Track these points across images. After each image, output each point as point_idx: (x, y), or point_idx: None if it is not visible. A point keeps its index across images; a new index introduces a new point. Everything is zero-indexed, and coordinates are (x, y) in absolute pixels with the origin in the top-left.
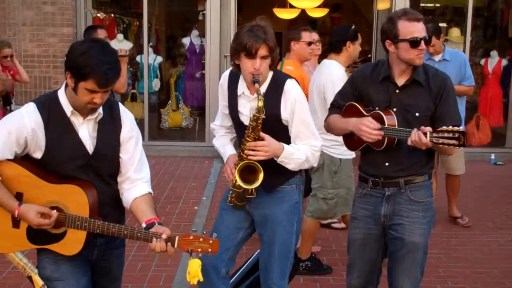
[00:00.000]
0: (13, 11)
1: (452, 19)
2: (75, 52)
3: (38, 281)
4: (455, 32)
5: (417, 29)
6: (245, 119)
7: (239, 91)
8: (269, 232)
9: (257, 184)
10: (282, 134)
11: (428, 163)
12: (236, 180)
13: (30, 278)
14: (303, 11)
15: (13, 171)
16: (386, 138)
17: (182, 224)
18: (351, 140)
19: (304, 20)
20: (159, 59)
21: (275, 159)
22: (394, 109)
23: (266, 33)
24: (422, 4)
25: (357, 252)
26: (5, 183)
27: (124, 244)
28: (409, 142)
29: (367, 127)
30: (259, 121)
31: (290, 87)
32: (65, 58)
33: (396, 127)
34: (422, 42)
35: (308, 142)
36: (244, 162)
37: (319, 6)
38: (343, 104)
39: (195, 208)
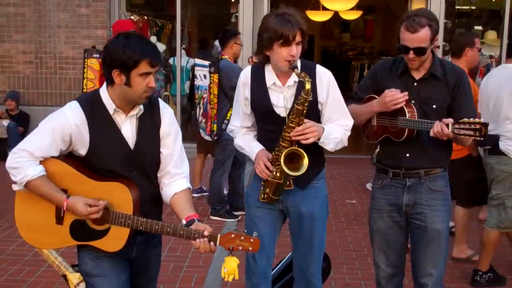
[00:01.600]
0: (48, 13)
1: (488, 22)
2: (116, 48)
3: (73, 279)
4: (491, 35)
5: (408, 39)
6: (281, 110)
7: (269, 83)
8: (307, 227)
9: (303, 170)
10: (315, 118)
11: (446, 155)
12: (276, 172)
13: (64, 276)
14: (336, 13)
15: (57, 168)
16: (406, 130)
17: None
18: (371, 130)
19: (337, 23)
20: (192, 61)
21: (317, 141)
22: (412, 102)
23: (297, 19)
24: (457, 7)
25: (383, 243)
26: (50, 179)
27: (161, 244)
28: (431, 134)
29: (392, 96)
30: (305, 104)
31: (321, 70)
32: (105, 59)
33: (417, 119)
34: (411, 51)
35: (340, 122)
36: (289, 149)
37: (352, 9)
38: (363, 97)
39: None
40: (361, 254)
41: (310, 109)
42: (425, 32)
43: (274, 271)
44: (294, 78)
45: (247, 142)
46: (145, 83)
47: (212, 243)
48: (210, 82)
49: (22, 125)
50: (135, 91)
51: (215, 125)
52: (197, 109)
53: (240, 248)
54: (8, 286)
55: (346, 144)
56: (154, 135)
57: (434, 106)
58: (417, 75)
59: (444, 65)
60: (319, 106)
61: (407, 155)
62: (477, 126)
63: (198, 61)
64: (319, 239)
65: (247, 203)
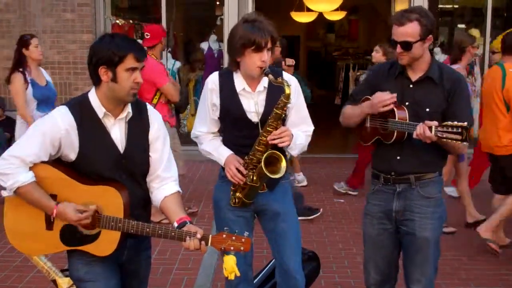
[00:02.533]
0: (33, 18)
1: (471, 20)
2: (102, 46)
3: (62, 284)
4: (474, 33)
5: (396, 32)
6: (253, 115)
7: (238, 89)
8: (282, 224)
9: (282, 172)
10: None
11: (440, 161)
12: (253, 175)
13: (54, 281)
14: (320, 14)
15: (47, 173)
16: (395, 132)
17: (203, 227)
18: (363, 131)
19: (321, 23)
20: (178, 64)
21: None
22: (407, 103)
23: (268, 26)
24: (440, 6)
25: (372, 249)
26: (39, 184)
27: (150, 246)
28: (414, 135)
29: (379, 97)
30: (284, 109)
31: (288, 76)
32: (91, 59)
33: (404, 121)
34: (398, 46)
35: (302, 127)
36: (269, 152)
37: (336, 9)
38: (359, 98)
39: None
40: (350, 252)
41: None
42: (412, 27)
43: (258, 279)
44: (263, 83)
45: (214, 148)
46: (131, 79)
47: (202, 243)
48: None
49: (8, 130)
50: (122, 87)
51: None
52: None
53: (231, 248)
54: None
55: (306, 150)
56: (143, 139)
57: (427, 110)
58: (414, 77)
59: (442, 69)
60: (287, 111)
61: (398, 157)
62: (458, 130)
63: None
64: (295, 233)
65: (217, 207)
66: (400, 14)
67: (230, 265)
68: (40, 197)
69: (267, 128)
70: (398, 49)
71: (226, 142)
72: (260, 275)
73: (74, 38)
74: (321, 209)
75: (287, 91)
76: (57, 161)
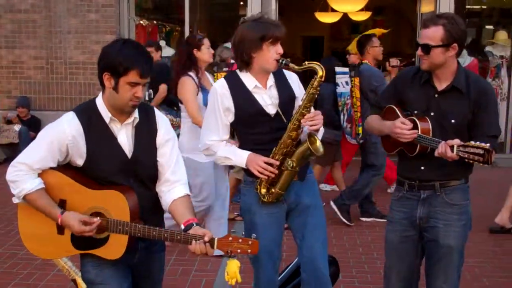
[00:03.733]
0: (59, 19)
1: (499, 22)
2: (111, 52)
3: (82, 284)
4: (502, 35)
5: (421, 34)
6: (270, 108)
7: (250, 87)
8: (312, 218)
9: (322, 149)
10: (291, 114)
11: (465, 168)
12: (292, 162)
13: (74, 281)
14: (345, 15)
15: (56, 179)
16: (418, 145)
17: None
18: (388, 142)
19: (346, 24)
20: None
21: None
22: (432, 114)
23: (277, 21)
24: (467, 6)
25: (395, 256)
26: (49, 190)
27: (164, 248)
28: (436, 154)
29: (400, 129)
30: (318, 88)
31: (287, 71)
32: (99, 61)
33: (427, 136)
34: (419, 48)
35: None
36: (310, 132)
37: (361, 10)
38: (384, 106)
39: (235, 213)
40: (370, 257)
41: (290, 105)
42: (435, 30)
43: (281, 277)
44: (271, 79)
45: (231, 152)
46: (131, 92)
47: (208, 246)
48: (352, 86)
49: (34, 130)
50: (121, 98)
51: (360, 128)
52: (341, 116)
53: (238, 251)
54: None
55: None
56: (150, 144)
57: (452, 121)
58: (439, 86)
59: (468, 77)
60: (295, 102)
61: (422, 167)
62: (480, 152)
63: (338, 69)
64: (323, 228)
65: (249, 211)
66: (430, 17)
67: (233, 271)
68: (46, 205)
69: (302, 111)
70: (419, 51)
71: (243, 146)
72: (282, 275)
73: (98, 38)
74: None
75: (320, 72)
76: (65, 167)
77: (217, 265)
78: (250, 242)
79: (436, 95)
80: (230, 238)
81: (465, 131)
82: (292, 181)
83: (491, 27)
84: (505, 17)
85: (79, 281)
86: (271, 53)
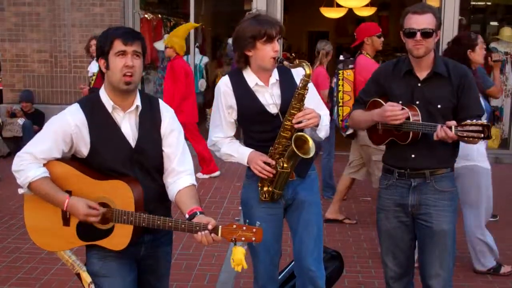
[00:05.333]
0: (63, 12)
1: (503, 18)
2: (97, 40)
3: (87, 278)
4: (507, 31)
5: (416, 21)
6: (272, 107)
7: (251, 84)
8: (306, 214)
9: (312, 152)
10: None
11: (452, 156)
12: (283, 163)
13: (78, 275)
14: (350, 10)
15: (61, 170)
16: (411, 133)
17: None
18: (375, 134)
19: (351, 19)
20: (205, 59)
21: (314, 128)
22: (417, 102)
23: (274, 18)
24: (472, 3)
25: (390, 242)
26: (54, 181)
27: (171, 242)
28: (435, 137)
29: (392, 111)
30: (306, 88)
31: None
32: (96, 55)
33: (421, 122)
34: (418, 33)
35: (320, 112)
36: (297, 134)
37: (366, 5)
38: (367, 100)
39: (240, 208)
40: (374, 252)
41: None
42: (429, 16)
43: (281, 276)
44: (275, 76)
45: (234, 149)
46: (122, 62)
47: (213, 235)
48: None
49: (37, 123)
50: (114, 73)
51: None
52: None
53: (242, 238)
54: (23, 284)
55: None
56: (155, 133)
57: (439, 106)
58: (421, 75)
59: (447, 64)
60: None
61: (413, 156)
62: (480, 128)
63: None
64: (318, 226)
65: (247, 205)
66: (420, 5)
67: (238, 258)
68: (51, 191)
69: (291, 111)
70: (418, 36)
71: (247, 143)
72: (283, 272)
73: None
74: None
75: (307, 71)
76: (71, 158)
77: (221, 260)
78: (254, 230)
79: (419, 84)
80: (234, 226)
81: (450, 114)
82: (287, 180)
83: (495, 23)
84: (510, 13)
85: (83, 275)
86: (267, 51)
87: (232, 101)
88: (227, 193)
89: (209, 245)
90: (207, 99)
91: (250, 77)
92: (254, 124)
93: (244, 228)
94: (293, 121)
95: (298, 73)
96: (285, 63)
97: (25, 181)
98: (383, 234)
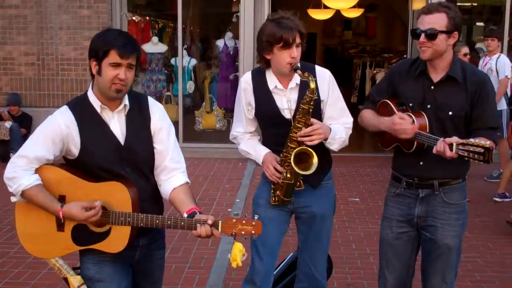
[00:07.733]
0: (50, 15)
1: (489, 18)
2: (94, 40)
3: (74, 282)
4: None
5: (421, 21)
6: (286, 112)
7: (271, 87)
8: (317, 227)
9: (313, 169)
10: (317, 117)
11: (463, 166)
12: (287, 173)
13: (65, 279)
14: (337, 12)
15: (54, 175)
16: (415, 142)
17: None
18: (383, 138)
19: (338, 21)
20: (194, 61)
21: (323, 141)
22: (428, 106)
23: (296, 22)
24: (459, 3)
25: (391, 252)
26: (48, 187)
27: (164, 246)
28: (434, 151)
29: (400, 125)
30: (311, 103)
31: (320, 69)
32: (89, 51)
33: (424, 133)
34: (422, 34)
35: (341, 120)
36: (298, 149)
37: (353, 6)
38: (378, 100)
39: (229, 210)
40: (363, 253)
41: (314, 108)
42: (439, 16)
43: (276, 271)
44: (296, 80)
45: (252, 146)
46: (113, 74)
47: (214, 229)
48: None
49: (25, 126)
50: (103, 81)
51: None
52: None
53: (242, 232)
54: None
55: (347, 143)
56: (144, 131)
57: (450, 113)
58: (435, 77)
59: (465, 69)
60: (321, 105)
61: (421, 163)
62: (481, 150)
63: None
64: (327, 238)
65: (256, 204)
66: (430, 5)
67: (234, 253)
68: (46, 200)
69: (297, 124)
70: (422, 38)
71: (264, 142)
72: (278, 268)
73: (90, 34)
74: None
75: (311, 86)
76: (63, 162)
77: (210, 263)
78: (253, 223)
79: (432, 87)
80: (234, 220)
81: (462, 122)
82: (294, 189)
83: (481, 23)
84: (496, 14)
85: (71, 279)
86: (284, 57)
87: (251, 99)
88: (216, 195)
89: (206, 237)
90: (195, 101)
91: (271, 79)
92: (270, 127)
93: (244, 221)
94: (298, 135)
95: (323, 77)
96: (298, 72)
97: (18, 189)
98: (384, 243)
